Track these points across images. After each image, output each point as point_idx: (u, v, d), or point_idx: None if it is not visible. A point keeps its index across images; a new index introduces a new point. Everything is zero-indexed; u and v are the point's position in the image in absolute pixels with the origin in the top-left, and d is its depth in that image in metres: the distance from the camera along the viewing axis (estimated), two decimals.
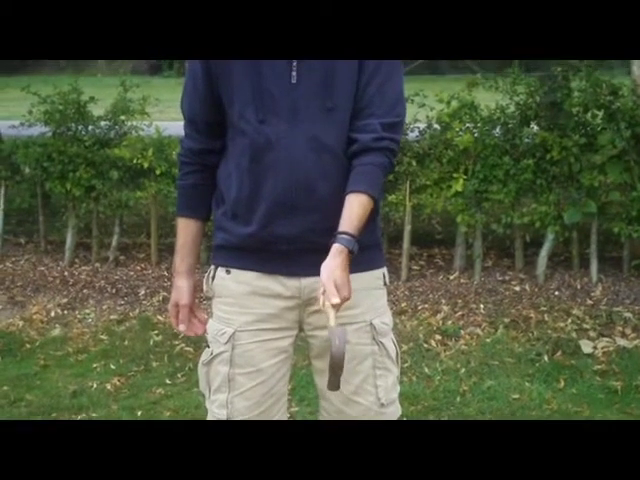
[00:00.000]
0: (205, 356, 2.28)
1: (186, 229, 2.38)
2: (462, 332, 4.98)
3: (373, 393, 2.26)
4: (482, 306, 5.28)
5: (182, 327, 2.40)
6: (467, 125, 5.63)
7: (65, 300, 5.71)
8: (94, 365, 4.77)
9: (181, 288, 2.42)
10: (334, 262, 2.03)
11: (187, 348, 4.87)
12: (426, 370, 4.53)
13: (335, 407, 2.28)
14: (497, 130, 5.60)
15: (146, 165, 5.89)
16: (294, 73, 2.12)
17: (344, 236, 2.05)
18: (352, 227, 2.06)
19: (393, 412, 2.33)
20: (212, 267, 2.32)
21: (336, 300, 1.97)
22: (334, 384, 2.01)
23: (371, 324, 2.24)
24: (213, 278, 2.30)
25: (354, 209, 2.08)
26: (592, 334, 4.86)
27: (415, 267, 5.91)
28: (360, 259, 2.19)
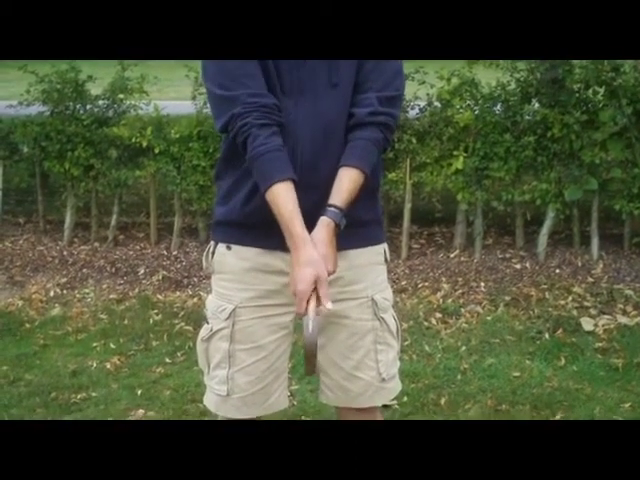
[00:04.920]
0: (204, 332, 2.26)
1: (292, 193, 2.04)
2: (462, 310, 4.96)
3: (374, 368, 2.25)
4: (482, 284, 5.26)
5: (330, 304, 2.01)
6: (467, 102, 5.60)
7: (64, 280, 5.69)
8: (94, 344, 4.75)
9: (319, 259, 2.02)
10: (319, 235, 2.03)
11: (187, 327, 4.86)
12: (426, 348, 4.52)
13: (336, 382, 2.28)
14: (498, 107, 5.57)
15: (145, 144, 5.87)
16: None
17: (332, 209, 2.06)
18: (341, 200, 2.07)
19: (394, 387, 2.33)
20: (212, 243, 2.29)
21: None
22: (308, 370, 2.03)
23: (372, 299, 2.23)
24: (213, 254, 2.27)
25: (344, 183, 2.09)
26: (593, 312, 4.84)
27: (415, 245, 5.90)
28: (361, 235, 2.20)
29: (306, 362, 1.99)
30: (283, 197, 2.03)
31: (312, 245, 2.01)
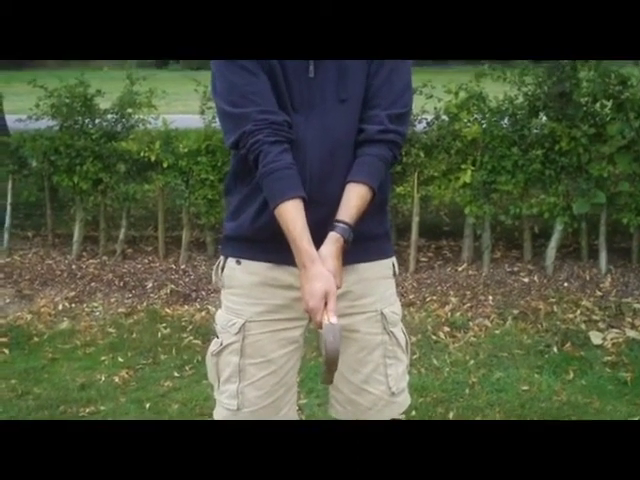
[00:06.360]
0: (214, 347, 2.26)
1: (301, 211, 2.06)
2: (471, 324, 4.96)
3: (384, 382, 2.26)
4: (491, 298, 5.26)
5: (335, 319, 1.99)
6: (475, 116, 5.61)
7: (73, 293, 5.71)
8: (102, 358, 4.76)
9: (328, 275, 2.02)
10: (328, 250, 2.04)
11: (195, 341, 4.87)
12: (435, 362, 4.52)
13: (346, 397, 2.28)
14: (505, 121, 5.58)
15: (153, 158, 5.89)
16: (311, 67, 2.12)
17: (341, 225, 2.07)
18: (349, 216, 2.08)
19: (403, 401, 2.33)
20: (221, 258, 2.30)
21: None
22: (328, 379, 2.04)
23: (382, 313, 2.24)
24: (223, 269, 2.28)
25: (352, 199, 2.10)
26: (601, 325, 4.84)
27: (423, 259, 5.90)
28: (370, 249, 2.21)
29: (326, 370, 1.99)
30: (292, 215, 2.04)
31: (320, 261, 2.02)
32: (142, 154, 5.90)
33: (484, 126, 5.52)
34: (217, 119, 2.46)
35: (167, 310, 5.35)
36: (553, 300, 5.15)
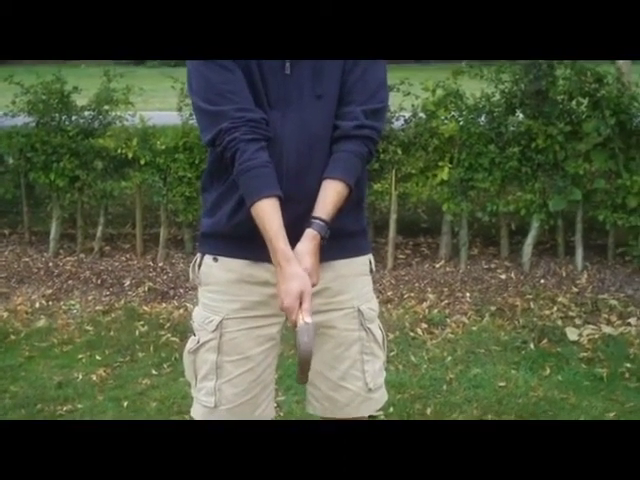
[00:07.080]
0: (191, 344, 2.26)
1: (277, 210, 2.06)
2: (448, 320, 4.98)
3: (361, 378, 2.26)
4: (468, 294, 5.29)
5: (310, 319, 2.00)
6: (452, 113, 5.63)
7: (50, 291, 5.68)
8: (79, 356, 4.74)
9: (303, 274, 2.03)
10: (305, 247, 2.05)
11: (173, 338, 4.85)
12: (412, 358, 4.53)
13: (323, 393, 2.29)
14: (482, 118, 5.60)
15: (130, 155, 5.86)
16: (287, 64, 2.13)
17: (318, 221, 2.08)
18: (326, 213, 2.08)
19: (380, 397, 2.34)
20: (198, 255, 2.29)
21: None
22: (302, 379, 2.05)
23: (359, 310, 2.25)
24: (199, 266, 2.27)
25: (329, 196, 2.10)
26: (578, 321, 4.87)
27: (401, 256, 5.91)
28: (347, 246, 2.21)
29: (300, 370, 2.00)
30: (268, 213, 2.04)
31: (296, 260, 2.03)
32: (119, 151, 5.87)
33: (461, 123, 5.54)
34: (194, 117, 2.46)
35: (145, 308, 5.34)
36: (530, 296, 5.18)
